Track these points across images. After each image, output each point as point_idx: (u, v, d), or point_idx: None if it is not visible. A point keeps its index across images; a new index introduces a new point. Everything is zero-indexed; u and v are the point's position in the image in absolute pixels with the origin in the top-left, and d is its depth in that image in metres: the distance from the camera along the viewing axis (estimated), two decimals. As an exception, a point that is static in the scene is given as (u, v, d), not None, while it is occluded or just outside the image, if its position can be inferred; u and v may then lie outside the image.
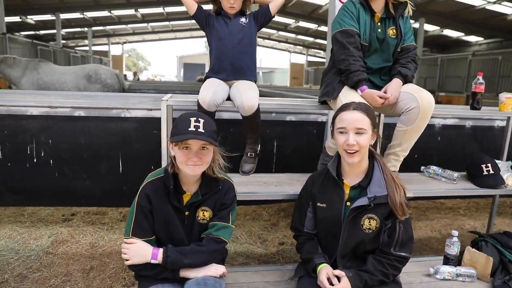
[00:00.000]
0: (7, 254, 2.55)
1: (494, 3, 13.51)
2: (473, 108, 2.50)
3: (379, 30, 2.05)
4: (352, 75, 1.96)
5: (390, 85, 1.98)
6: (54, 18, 17.84)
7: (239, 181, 2.11)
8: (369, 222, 1.58)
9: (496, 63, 10.76)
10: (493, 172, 2.20)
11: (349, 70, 1.97)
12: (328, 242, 1.67)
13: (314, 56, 32.19)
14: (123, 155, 2.78)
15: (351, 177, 1.64)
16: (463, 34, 18.60)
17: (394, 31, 2.06)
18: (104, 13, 19.72)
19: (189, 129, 1.41)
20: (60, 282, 2.28)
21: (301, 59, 32.62)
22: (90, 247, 2.71)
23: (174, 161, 1.50)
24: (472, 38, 19.24)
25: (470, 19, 15.58)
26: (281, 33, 26.19)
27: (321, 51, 28.91)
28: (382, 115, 2.45)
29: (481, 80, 2.47)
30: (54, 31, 18.59)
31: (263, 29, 25.88)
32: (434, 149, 3.25)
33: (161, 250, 1.46)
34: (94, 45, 26.03)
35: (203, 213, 1.54)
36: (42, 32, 22.29)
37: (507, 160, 2.51)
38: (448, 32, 18.80)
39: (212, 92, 1.97)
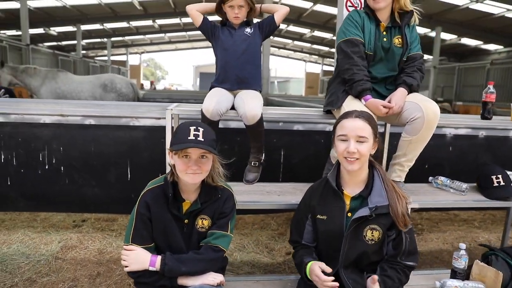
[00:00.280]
0: (18, 258, 2.61)
1: (514, 10, 13.23)
2: (484, 117, 2.45)
3: (385, 39, 2.04)
4: (356, 85, 1.95)
5: (394, 95, 1.96)
6: (75, 29, 18.44)
7: (242, 190, 2.12)
8: (372, 233, 1.56)
9: (515, 72, 10.52)
10: (504, 183, 2.13)
11: (353, 79, 1.96)
12: (330, 254, 1.63)
13: (330, 65, 32.08)
14: (132, 163, 2.83)
15: (351, 187, 1.62)
16: (481, 42, 18.24)
17: (400, 40, 2.05)
18: (123, 24, 20.27)
19: (189, 137, 1.43)
20: (67, 287, 2.32)
21: (316, 69, 32.56)
22: (98, 253, 2.75)
23: (174, 170, 1.52)
24: (491, 47, 18.84)
25: (489, 27, 15.27)
26: (296, 42, 26.27)
27: (337, 61, 28.76)
28: (388, 125, 2.43)
29: (492, 89, 2.43)
30: (75, 41, 19.20)
31: (278, 39, 25.85)
32: (445, 159, 3.18)
33: (159, 257, 1.47)
34: (113, 55, 26.74)
35: (202, 222, 1.55)
36: (64, 43, 23.06)
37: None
38: (466, 41, 18.47)
39: (216, 101, 2.00)
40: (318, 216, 1.64)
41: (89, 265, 2.57)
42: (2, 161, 2.73)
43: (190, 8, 2.21)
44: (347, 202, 1.61)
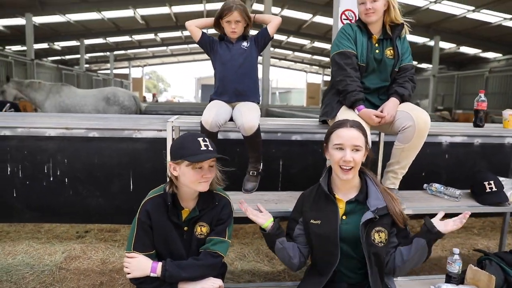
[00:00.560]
0: (22, 269, 2.67)
1: (511, 19, 13.36)
2: (476, 125, 2.51)
3: (377, 51, 2.12)
4: (349, 95, 2.02)
5: (386, 104, 2.03)
6: (78, 43, 18.75)
7: (240, 198, 2.16)
8: (379, 235, 1.62)
9: (513, 80, 10.59)
10: (496, 189, 2.18)
11: (346, 90, 2.03)
12: (325, 259, 1.68)
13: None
14: (134, 174, 2.90)
15: (343, 192, 1.69)
16: (480, 50, 18.37)
17: (392, 51, 2.13)
18: (126, 38, 20.60)
19: (202, 148, 1.51)
20: (70, 297, 2.37)
21: (317, 79, 32.78)
22: (101, 263, 2.80)
23: (174, 180, 1.58)
24: (490, 55, 18.97)
25: (486, 36, 15.42)
26: (297, 53, 26.53)
27: (337, 71, 28.92)
28: (382, 134, 2.49)
29: (483, 97, 2.49)
30: (78, 56, 19.51)
31: (279, 50, 25.90)
32: (441, 167, 3.23)
33: (160, 264, 1.53)
34: (115, 68, 27.07)
35: (200, 229, 1.61)
36: (67, 57, 23.39)
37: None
38: (465, 49, 18.61)
39: (215, 113, 2.07)
40: (312, 221, 1.69)
41: (92, 275, 2.62)
42: (9, 173, 2.81)
43: (190, 24, 2.29)
44: (340, 206, 1.67)
